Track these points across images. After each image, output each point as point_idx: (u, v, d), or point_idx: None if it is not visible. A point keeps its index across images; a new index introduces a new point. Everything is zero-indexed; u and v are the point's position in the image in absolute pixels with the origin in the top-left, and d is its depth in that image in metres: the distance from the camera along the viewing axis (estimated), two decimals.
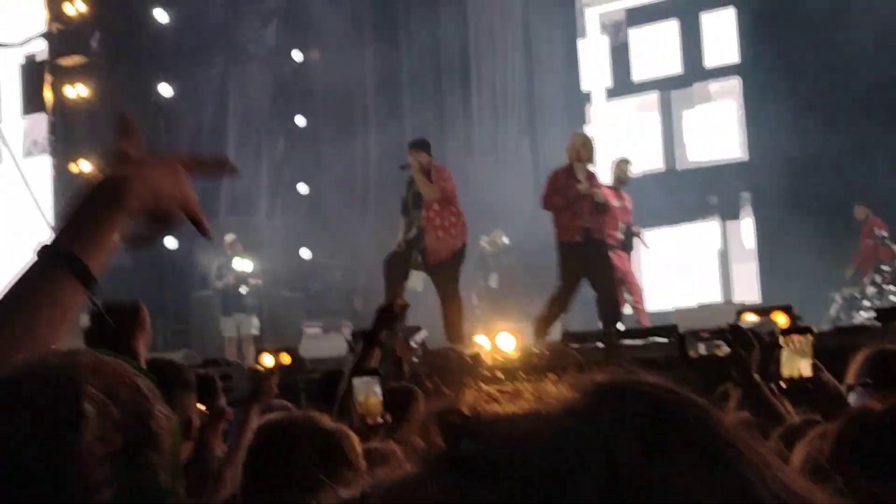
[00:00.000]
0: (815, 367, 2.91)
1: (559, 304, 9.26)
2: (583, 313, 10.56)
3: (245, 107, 14.86)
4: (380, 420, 2.96)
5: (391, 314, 3.80)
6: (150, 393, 1.19)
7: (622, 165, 11.30)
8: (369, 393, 2.99)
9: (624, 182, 11.26)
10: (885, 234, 12.26)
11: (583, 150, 9.37)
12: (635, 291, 11.14)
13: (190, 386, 3.14)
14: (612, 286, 9.48)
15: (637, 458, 0.54)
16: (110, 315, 1.83)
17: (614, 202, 10.06)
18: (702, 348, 3.34)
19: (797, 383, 2.87)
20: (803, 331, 3.00)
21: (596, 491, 0.53)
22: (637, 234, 11.60)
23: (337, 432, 2.09)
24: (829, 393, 2.89)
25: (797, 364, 2.91)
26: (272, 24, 15.40)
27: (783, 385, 2.91)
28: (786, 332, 3.00)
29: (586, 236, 9.13)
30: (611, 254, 9.72)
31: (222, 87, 14.52)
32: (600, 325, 9.11)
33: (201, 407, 3.90)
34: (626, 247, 11.09)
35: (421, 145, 9.35)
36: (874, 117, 13.77)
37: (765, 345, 3.17)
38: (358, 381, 3.03)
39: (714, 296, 15.18)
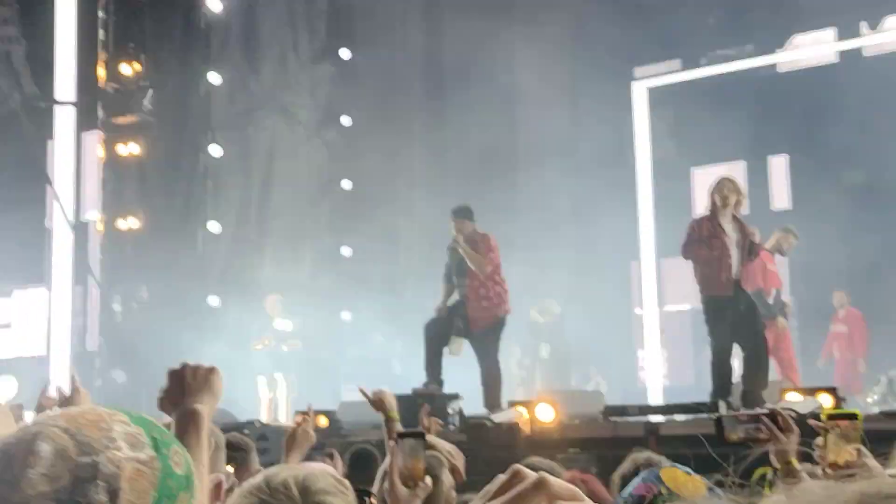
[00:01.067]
0: (859, 453, 2.87)
1: (725, 369, 8.50)
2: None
3: (292, 169, 15.01)
4: (421, 484, 2.95)
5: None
6: (125, 438, 1.19)
7: (788, 236, 10.61)
8: (415, 455, 2.99)
9: (783, 253, 10.66)
10: None
11: (731, 195, 8.45)
12: (787, 366, 10.18)
13: (219, 446, 3.17)
14: (764, 345, 8.58)
15: None
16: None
17: (769, 266, 9.46)
18: (741, 431, 3.27)
19: (841, 468, 2.81)
20: (849, 416, 2.94)
21: None
22: (786, 306, 10.78)
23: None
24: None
25: (843, 450, 2.86)
26: (322, 88, 15.63)
27: (829, 471, 2.85)
28: (832, 418, 2.93)
29: (736, 289, 8.36)
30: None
31: (271, 149, 14.70)
32: (742, 388, 8.37)
33: (230, 469, 3.92)
34: (775, 314, 10.22)
35: (464, 213, 9.34)
36: None
37: (804, 429, 3.13)
38: (404, 443, 3.02)
39: None
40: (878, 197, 14.34)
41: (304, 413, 4.26)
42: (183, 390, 1.97)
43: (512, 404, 8.26)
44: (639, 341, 17.38)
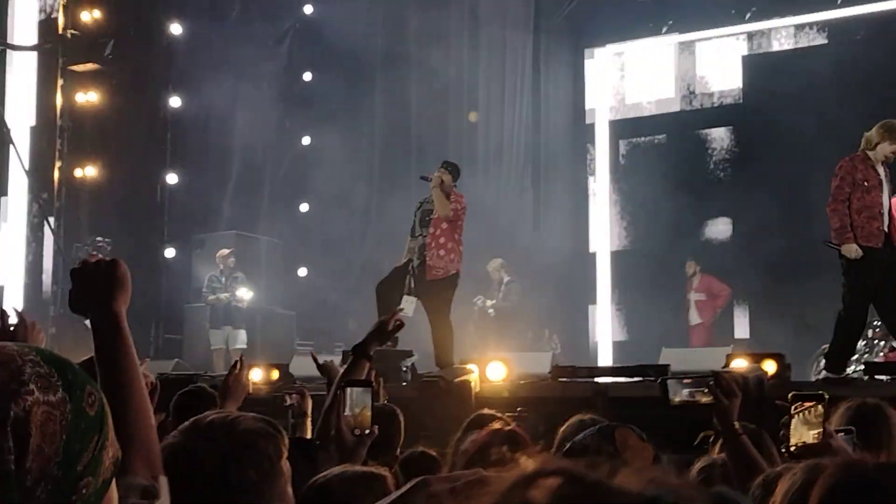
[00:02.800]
0: (825, 435, 2.91)
1: (857, 328, 8.11)
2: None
3: (252, 123, 14.97)
4: (367, 431, 2.99)
5: (384, 330, 3.86)
6: (35, 380, 1.14)
7: None
8: (361, 404, 3.02)
9: None
10: None
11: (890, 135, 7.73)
12: None
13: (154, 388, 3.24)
14: None
15: None
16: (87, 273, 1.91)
17: None
18: (685, 393, 3.32)
19: (804, 449, 2.85)
20: (814, 398, 2.97)
21: None
22: None
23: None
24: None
25: (807, 432, 2.91)
26: (285, 43, 15.56)
27: (792, 451, 2.88)
28: (797, 399, 2.96)
29: (886, 241, 7.72)
30: None
31: (232, 102, 14.64)
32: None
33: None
34: None
35: (452, 167, 9.53)
36: None
37: (749, 393, 3.16)
38: (350, 392, 3.06)
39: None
40: None
41: (237, 362, 4.31)
42: (92, 289, 1.89)
43: (463, 363, 8.38)
44: (592, 299, 17.64)
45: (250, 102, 14.87)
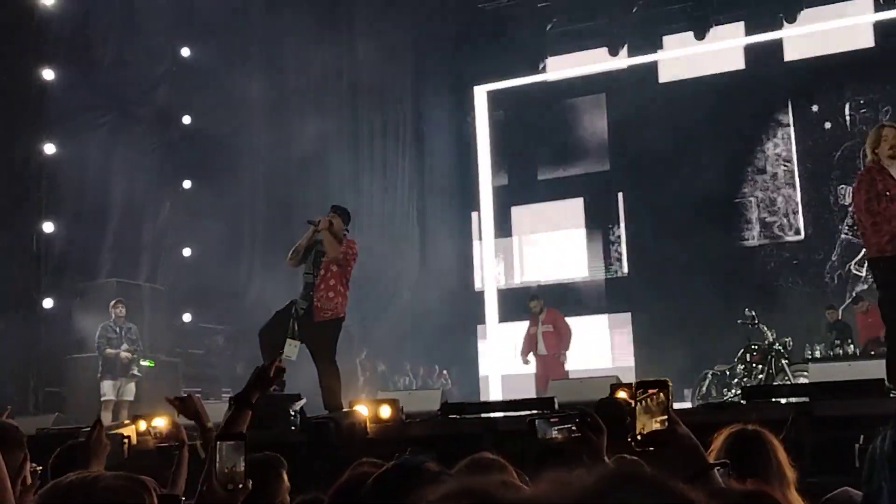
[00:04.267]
0: (670, 421, 2.83)
1: None
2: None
3: (131, 168, 14.70)
4: (240, 486, 2.94)
5: (266, 377, 3.81)
6: None
7: None
8: (233, 458, 2.97)
9: None
10: (753, 314, 12.74)
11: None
12: None
13: (20, 444, 3.14)
14: None
15: None
16: None
17: None
18: (553, 431, 3.21)
19: (649, 437, 2.79)
20: (657, 385, 2.88)
21: None
22: None
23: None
24: (683, 445, 2.81)
25: (651, 419, 2.84)
26: (162, 86, 15.34)
27: (638, 438, 2.81)
28: (641, 386, 2.88)
29: None
30: None
31: (109, 147, 14.35)
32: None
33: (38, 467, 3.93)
34: None
35: (343, 212, 9.52)
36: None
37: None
38: (221, 446, 3.00)
39: (599, 364, 15.56)
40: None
41: (98, 421, 4.23)
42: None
43: (352, 404, 8.34)
44: (482, 335, 17.82)
45: (128, 147, 14.62)
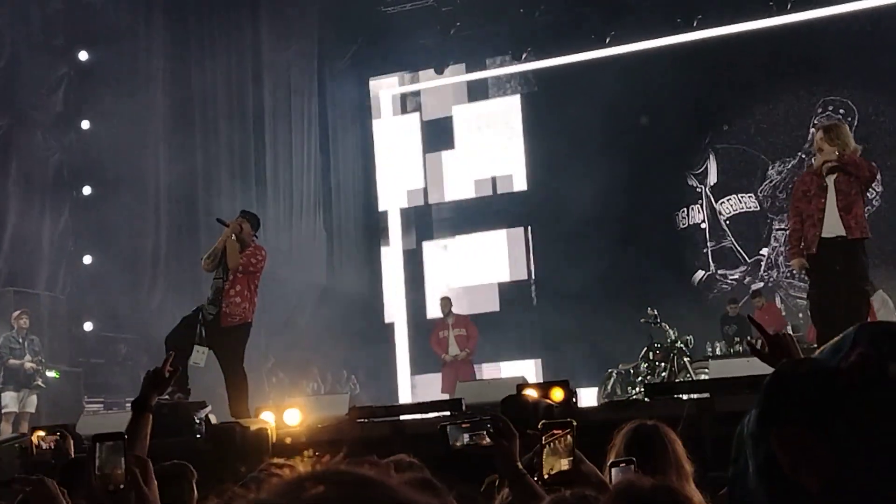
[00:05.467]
0: (575, 462, 2.94)
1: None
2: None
3: (28, 174, 14.34)
4: (121, 486, 2.88)
5: (161, 379, 3.76)
6: None
7: None
8: (113, 459, 2.91)
9: None
10: (655, 313, 12.99)
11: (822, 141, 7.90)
12: None
13: None
14: None
15: None
16: None
17: None
18: (465, 437, 3.22)
19: (557, 477, 2.88)
20: (564, 426, 3.01)
21: None
22: None
23: None
24: (590, 483, 2.90)
25: (557, 459, 2.94)
26: (60, 90, 15.00)
27: (546, 478, 2.91)
28: (547, 427, 2.99)
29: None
30: None
31: (5, 152, 13.98)
32: None
33: None
34: None
35: (252, 217, 9.51)
36: None
37: (531, 431, 3.15)
38: (99, 447, 2.94)
39: (499, 371, 15.72)
40: None
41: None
42: None
43: (259, 410, 8.28)
44: (390, 337, 17.86)
45: (25, 152, 14.27)
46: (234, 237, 9.22)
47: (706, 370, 10.99)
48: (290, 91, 17.14)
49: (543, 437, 2.96)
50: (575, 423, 3.03)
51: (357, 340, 16.41)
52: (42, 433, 8.48)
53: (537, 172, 17.41)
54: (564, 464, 2.92)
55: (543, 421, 3.04)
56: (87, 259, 15.18)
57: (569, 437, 2.95)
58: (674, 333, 12.85)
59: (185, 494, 4.09)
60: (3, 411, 12.16)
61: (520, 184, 17.73)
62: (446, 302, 14.96)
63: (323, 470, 0.64)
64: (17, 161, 14.18)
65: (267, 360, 15.24)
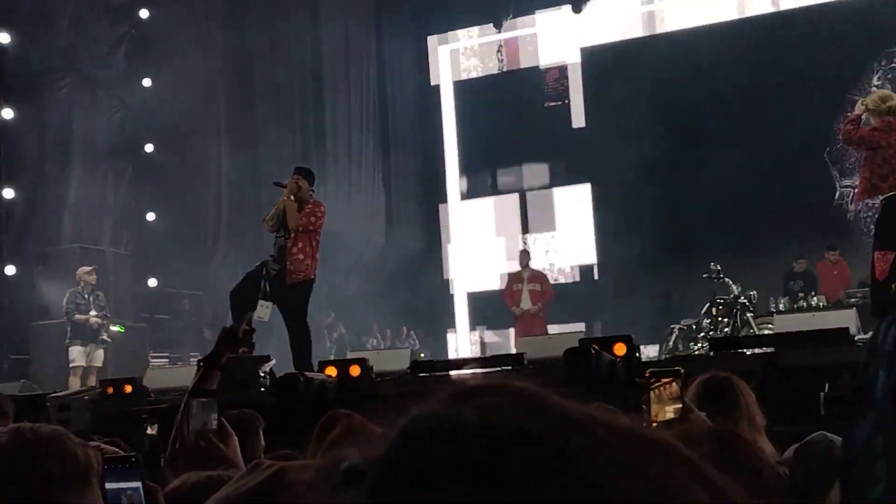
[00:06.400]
0: (683, 410, 2.95)
1: None
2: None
3: (92, 132, 14.51)
4: (212, 442, 2.92)
5: (235, 337, 3.79)
6: None
7: None
8: (204, 415, 2.96)
9: None
10: (718, 268, 12.83)
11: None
12: None
13: (6, 414, 3.08)
14: None
15: None
16: None
17: None
18: None
19: (664, 425, 2.88)
20: (671, 374, 3.01)
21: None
22: None
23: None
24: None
25: (664, 407, 2.95)
26: (121, 48, 15.12)
27: (653, 425, 2.89)
28: (654, 375, 3.00)
29: None
30: None
31: (68, 111, 14.15)
32: None
33: None
34: None
35: (307, 173, 9.49)
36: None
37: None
38: (194, 403, 3.00)
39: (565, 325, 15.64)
40: None
41: None
42: None
43: (323, 364, 8.34)
44: (449, 294, 17.90)
45: (88, 110, 14.43)
46: (292, 198, 9.23)
47: (770, 326, 10.84)
48: (347, 47, 17.11)
49: (650, 385, 2.96)
50: (682, 372, 3.03)
51: (417, 296, 16.45)
52: (111, 387, 8.67)
53: (599, 128, 17.19)
54: (670, 411, 2.93)
55: (651, 369, 3.03)
56: (151, 216, 15.37)
57: (675, 384, 2.96)
58: (737, 288, 12.69)
59: (250, 442, 4.13)
60: (71, 365, 12.38)
61: (582, 142, 17.54)
62: (524, 255, 14.76)
63: (486, 382, 0.62)
64: (80, 120, 14.35)
65: (327, 315, 15.36)
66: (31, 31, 13.71)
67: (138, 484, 2.37)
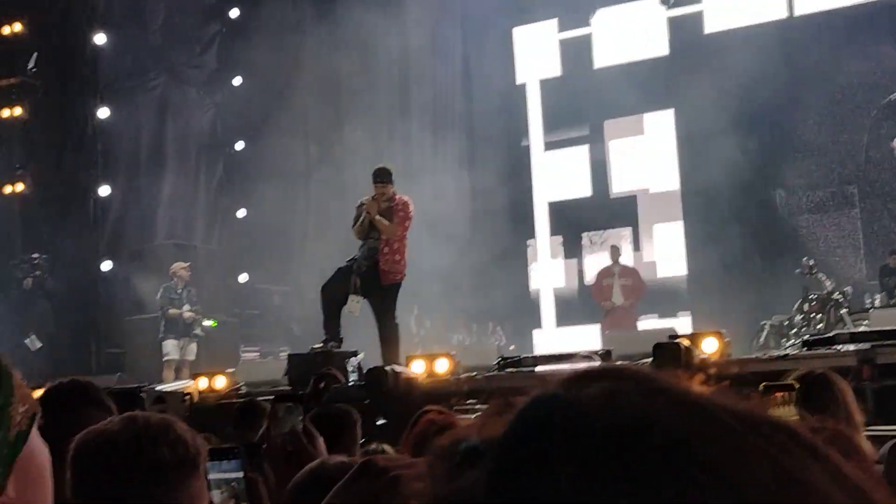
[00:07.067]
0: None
1: None
2: None
3: (184, 131, 14.82)
4: (297, 447, 2.98)
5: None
6: None
7: None
8: (288, 419, 3.01)
9: None
10: (811, 263, 12.60)
11: None
12: None
13: (102, 405, 3.13)
14: None
15: None
16: None
17: None
18: None
19: None
20: (784, 388, 3.03)
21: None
22: None
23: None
24: None
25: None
26: (212, 48, 15.42)
27: None
28: (768, 389, 3.02)
29: None
30: None
31: (161, 110, 14.48)
32: None
33: None
34: None
35: (385, 175, 9.38)
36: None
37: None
38: (281, 408, 3.05)
39: (652, 322, 15.44)
40: None
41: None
42: None
43: (410, 358, 8.39)
44: (534, 291, 17.81)
45: (180, 109, 14.73)
46: (378, 217, 9.20)
47: (865, 322, 10.58)
48: (434, 35, 17.12)
49: (764, 398, 2.96)
50: (797, 386, 3.02)
51: (502, 292, 16.40)
52: (204, 379, 8.85)
53: (687, 120, 16.91)
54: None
55: (764, 383, 3.02)
56: (241, 212, 15.63)
57: (787, 396, 2.95)
58: (831, 284, 12.42)
59: (346, 437, 4.16)
60: (165, 359, 12.66)
61: (668, 137, 17.26)
62: (615, 250, 14.76)
63: (604, 367, 0.61)
64: (173, 118, 14.66)
65: (412, 310, 15.41)
66: (125, 33, 14.05)
67: (240, 474, 2.41)
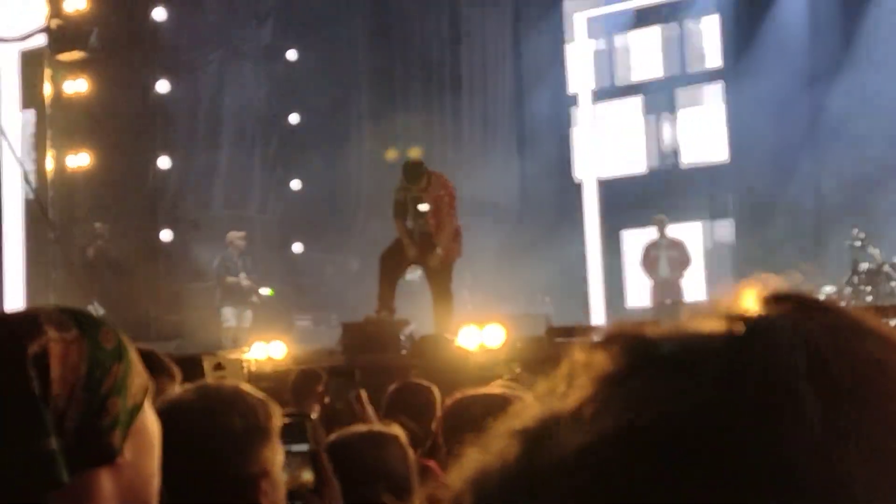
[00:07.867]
0: None
1: None
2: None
3: (240, 104, 15.10)
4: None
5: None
6: (49, 323, 1.33)
7: None
8: (346, 390, 3.06)
9: None
10: (862, 236, 12.54)
11: None
12: None
13: (167, 372, 3.19)
14: None
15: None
16: None
17: None
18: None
19: None
20: None
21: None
22: None
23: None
24: None
25: None
26: (268, 23, 15.65)
27: None
28: None
29: None
30: None
31: (218, 84, 14.76)
32: None
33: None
34: None
35: (416, 172, 9.57)
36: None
37: None
38: (335, 380, 3.09)
39: (696, 295, 15.47)
40: None
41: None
42: None
43: (461, 325, 8.53)
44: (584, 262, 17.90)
45: (236, 83, 15.00)
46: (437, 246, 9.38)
47: None
48: (484, 13, 17.19)
49: None
50: None
51: (552, 263, 16.49)
52: (262, 345, 9.12)
53: (738, 104, 16.83)
54: None
55: None
56: (296, 184, 15.90)
57: None
58: (881, 255, 12.36)
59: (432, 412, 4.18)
60: (224, 325, 13.00)
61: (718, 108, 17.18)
62: (661, 221, 14.68)
63: (819, 299, 0.62)
64: (229, 92, 14.94)
65: (464, 279, 15.56)
66: (184, 8, 14.33)
67: (305, 446, 2.46)
